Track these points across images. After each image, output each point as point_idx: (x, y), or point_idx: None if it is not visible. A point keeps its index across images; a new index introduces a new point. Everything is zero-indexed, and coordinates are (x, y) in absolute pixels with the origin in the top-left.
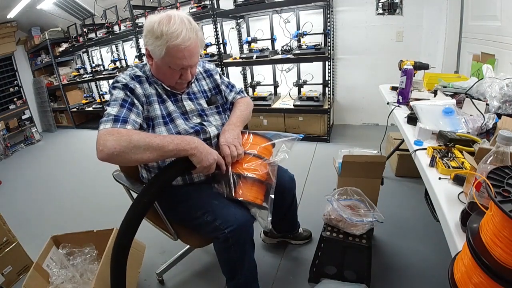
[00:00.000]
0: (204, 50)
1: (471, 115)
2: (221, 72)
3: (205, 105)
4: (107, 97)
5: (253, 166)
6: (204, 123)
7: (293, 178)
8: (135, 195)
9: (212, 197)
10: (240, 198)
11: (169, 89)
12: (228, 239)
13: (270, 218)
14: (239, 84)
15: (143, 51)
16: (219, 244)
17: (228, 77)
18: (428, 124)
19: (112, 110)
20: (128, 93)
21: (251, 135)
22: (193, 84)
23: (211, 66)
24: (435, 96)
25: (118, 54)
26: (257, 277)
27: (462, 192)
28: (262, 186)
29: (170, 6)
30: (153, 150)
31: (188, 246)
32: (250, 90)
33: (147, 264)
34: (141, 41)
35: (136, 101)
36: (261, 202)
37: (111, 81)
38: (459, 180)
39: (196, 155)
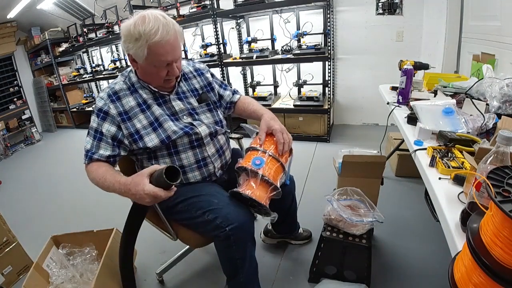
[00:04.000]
0: (204, 50)
1: (471, 115)
2: (213, 72)
3: (195, 104)
4: None
5: (273, 169)
6: (195, 122)
7: (292, 179)
8: None
9: (212, 196)
10: (256, 198)
11: (156, 90)
12: (230, 237)
13: (275, 215)
14: (239, 84)
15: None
16: (220, 242)
17: (228, 77)
18: (428, 124)
19: (87, 142)
20: (99, 121)
21: (271, 139)
22: (182, 84)
23: (201, 65)
24: (435, 96)
25: (118, 54)
26: (257, 276)
27: (462, 192)
28: (272, 191)
29: (170, 6)
30: (111, 190)
31: (188, 246)
32: (250, 90)
33: (147, 264)
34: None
35: (106, 128)
36: (265, 203)
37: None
38: (459, 180)
39: (134, 199)
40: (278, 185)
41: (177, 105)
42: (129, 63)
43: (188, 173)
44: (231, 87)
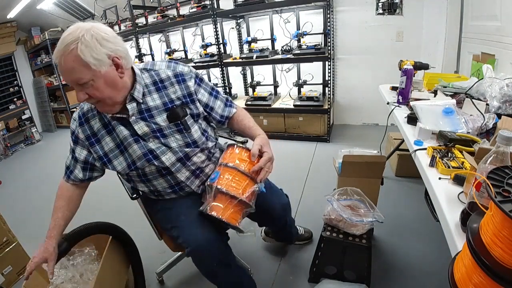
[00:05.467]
0: (204, 50)
1: (471, 115)
2: (203, 77)
3: (163, 123)
4: None
5: (238, 183)
6: (158, 150)
7: (285, 205)
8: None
9: (181, 212)
10: (217, 216)
11: (110, 115)
12: (190, 257)
13: (250, 234)
14: (239, 84)
15: (143, 51)
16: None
17: (228, 77)
18: (428, 124)
19: (67, 158)
20: (73, 144)
21: (242, 149)
22: (149, 98)
23: (185, 69)
24: (435, 96)
25: None
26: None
27: (462, 192)
28: (242, 207)
29: (170, 6)
30: None
31: None
32: (250, 90)
33: (147, 264)
34: (141, 41)
35: (78, 152)
36: (237, 223)
37: None
38: (459, 180)
39: None
40: (244, 196)
41: (140, 128)
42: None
43: (164, 195)
44: (224, 97)
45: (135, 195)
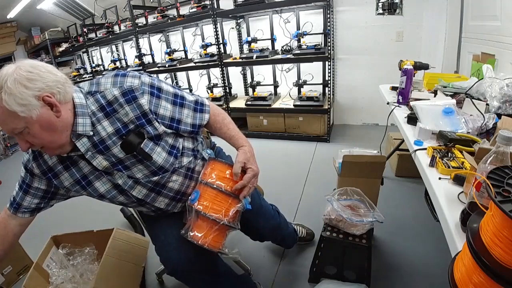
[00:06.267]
0: (204, 50)
1: (471, 115)
2: (160, 85)
3: (121, 154)
4: None
5: (220, 204)
6: (126, 184)
7: (275, 226)
8: None
9: (162, 231)
10: (198, 243)
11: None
12: (172, 276)
13: (234, 256)
14: (239, 84)
15: (143, 51)
16: None
17: (228, 77)
18: (428, 124)
19: (15, 188)
20: (27, 177)
21: (223, 165)
22: (98, 127)
23: (134, 82)
24: (435, 96)
25: (118, 54)
26: None
27: (462, 192)
28: (225, 228)
29: (170, 6)
30: None
31: None
32: (250, 90)
33: (147, 264)
34: (141, 41)
35: (36, 186)
36: (220, 246)
37: None
38: (459, 180)
39: None
40: (226, 217)
41: (99, 163)
42: (129, 63)
43: (150, 213)
44: (192, 101)
45: None
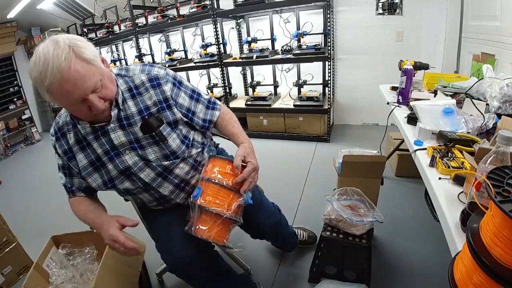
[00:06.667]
0: (204, 50)
1: (471, 115)
2: (182, 80)
3: (140, 133)
4: None
5: (222, 199)
6: (135, 167)
7: (276, 223)
8: None
9: (163, 227)
10: (203, 237)
11: (88, 124)
12: (173, 273)
13: (238, 250)
14: (239, 84)
15: (143, 51)
16: None
17: (228, 77)
18: (428, 124)
19: (61, 177)
20: (59, 158)
21: (224, 161)
22: (127, 104)
23: (161, 72)
24: (435, 96)
25: (118, 54)
26: None
27: (462, 192)
28: (228, 222)
29: (170, 6)
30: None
31: None
32: (250, 90)
33: (147, 264)
34: (141, 41)
35: (73, 163)
36: (224, 240)
37: None
38: (459, 180)
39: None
40: (229, 211)
41: (117, 137)
42: (129, 63)
43: (152, 207)
44: (206, 98)
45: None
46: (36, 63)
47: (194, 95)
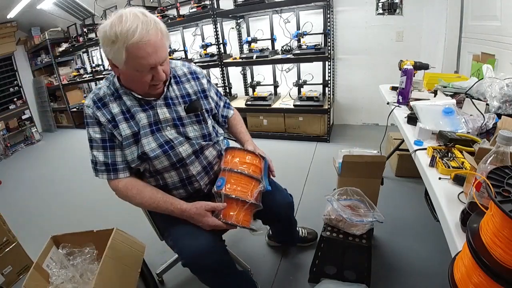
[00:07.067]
0: (204, 50)
1: (471, 115)
2: (210, 79)
3: (183, 113)
4: None
5: (245, 186)
6: (176, 140)
7: (290, 204)
8: None
9: (178, 221)
10: (232, 222)
11: (141, 97)
12: (187, 266)
13: (261, 232)
14: (239, 84)
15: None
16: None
17: (228, 77)
18: (428, 124)
19: (98, 154)
20: (102, 128)
21: (242, 152)
22: (172, 88)
23: (198, 69)
24: (435, 96)
25: None
26: None
27: (462, 192)
28: (251, 208)
29: (170, 6)
30: (160, 212)
31: None
32: (250, 90)
33: (147, 264)
34: None
35: (109, 136)
36: (249, 224)
37: None
38: (459, 180)
39: (195, 223)
40: (252, 198)
41: (162, 113)
42: None
43: (172, 190)
44: (224, 98)
45: None
46: (123, 21)
47: (218, 93)
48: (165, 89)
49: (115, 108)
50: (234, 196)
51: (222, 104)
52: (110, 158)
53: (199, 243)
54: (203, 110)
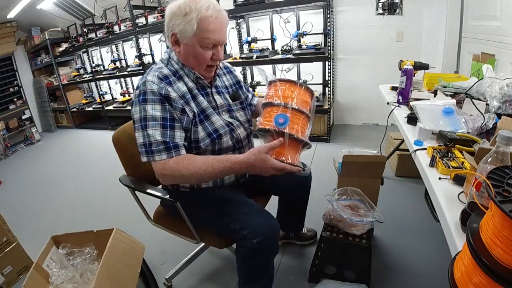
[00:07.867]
0: None
1: (471, 115)
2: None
3: (230, 101)
4: (107, 97)
5: (303, 126)
6: (234, 123)
7: (310, 182)
8: (139, 196)
9: (241, 204)
10: (296, 164)
11: (200, 76)
12: (255, 249)
13: (307, 171)
14: None
15: (143, 51)
16: (245, 253)
17: None
18: (428, 124)
19: (155, 133)
20: (166, 106)
21: (301, 88)
22: (217, 78)
23: (228, 64)
24: (435, 96)
25: (118, 54)
26: (271, 284)
27: (462, 192)
28: (303, 147)
29: None
30: (216, 177)
31: (196, 249)
32: (250, 90)
33: (147, 264)
34: (141, 41)
35: (174, 113)
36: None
37: (136, 84)
38: (459, 180)
39: (257, 172)
40: (307, 138)
41: (218, 99)
42: (129, 63)
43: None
44: (250, 89)
45: (174, 198)
46: (197, 0)
47: (245, 85)
48: (215, 77)
49: (182, 86)
50: (296, 136)
51: (250, 95)
52: (169, 137)
53: (273, 222)
54: (243, 99)
